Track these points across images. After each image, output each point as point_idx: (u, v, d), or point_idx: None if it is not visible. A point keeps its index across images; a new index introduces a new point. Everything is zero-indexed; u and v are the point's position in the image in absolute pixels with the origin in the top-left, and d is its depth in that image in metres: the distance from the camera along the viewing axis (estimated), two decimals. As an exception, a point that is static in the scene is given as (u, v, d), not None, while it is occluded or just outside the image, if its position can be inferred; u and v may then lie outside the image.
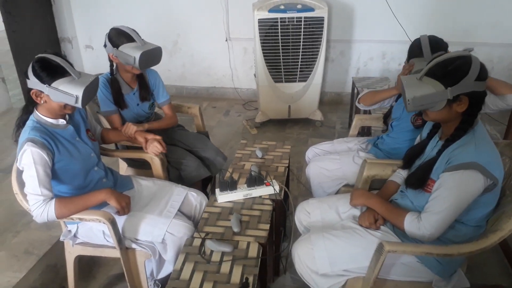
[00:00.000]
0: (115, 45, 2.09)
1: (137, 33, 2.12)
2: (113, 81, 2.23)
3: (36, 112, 1.69)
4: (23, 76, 4.13)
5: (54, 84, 1.59)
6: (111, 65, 2.23)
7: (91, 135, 1.93)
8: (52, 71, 1.61)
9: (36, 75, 1.60)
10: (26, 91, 1.68)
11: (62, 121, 1.74)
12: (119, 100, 2.25)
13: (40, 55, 1.64)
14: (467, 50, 1.44)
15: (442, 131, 1.57)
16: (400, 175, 1.81)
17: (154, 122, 2.39)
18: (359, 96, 2.32)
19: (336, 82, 4.60)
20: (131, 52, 2.04)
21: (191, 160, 2.33)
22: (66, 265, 1.96)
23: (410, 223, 1.48)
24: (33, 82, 1.61)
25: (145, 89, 2.34)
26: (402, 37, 4.06)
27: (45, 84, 1.59)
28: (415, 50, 2.03)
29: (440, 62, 1.42)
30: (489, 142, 1.44)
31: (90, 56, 4.98)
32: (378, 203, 1.64)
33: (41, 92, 1.61)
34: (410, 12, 4.03)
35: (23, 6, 4.23)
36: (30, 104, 1.70)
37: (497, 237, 1.37)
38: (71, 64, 1.66)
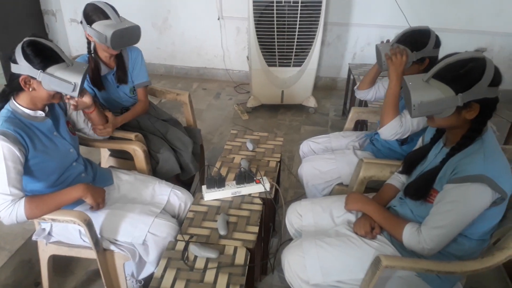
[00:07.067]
0: (90, 22, 1.92)
1: (114, 10, 1.95)
2: (91, 61, 2.07)
3: (13, 101, 1.53)
4: (3, 51, 3.97)
5: (49, 70, 1.45)
6: (89, 43, 2.06)
7: (71, 128, 1.78)
8: (46, 56, 1.47)
9: (28, 59, 1.44)
10: (9, 75, 1.50)
11: (40, 113, 1.59)
12: (96, 81, 2.09)
13: (30, 38, 1.47)
14: (480, 51, 1.30)
15: (447, 137, 1.45)
16: (399, 179, 1.69)
17: (126, 113, 2.18)
18: (356, 86, 2.24)
19: (331, 67, 4.45)
20: (103, 30, 1.88)
21: (166, 152, 2.15)
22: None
23: (409, 236, 1.38)
24: (23, 67, 1.45)
25: (122, 70, 2.16)
26: (402, 22, 3.89)
27: (39, 70, 1.44)
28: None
29: (451, 64, 1.29)
30: (499, 152, 1.32)
31: (76, 30, 4.73)
32: (375, 210, 1.53)
33: (32, 78, 1.46)
34: (412, -3, 3.85)
35: (3, -24, 4.00)
36: (10, 90, 1.54)
37: (504, 256, 1.26)
38: (61, 50, 1.53)
